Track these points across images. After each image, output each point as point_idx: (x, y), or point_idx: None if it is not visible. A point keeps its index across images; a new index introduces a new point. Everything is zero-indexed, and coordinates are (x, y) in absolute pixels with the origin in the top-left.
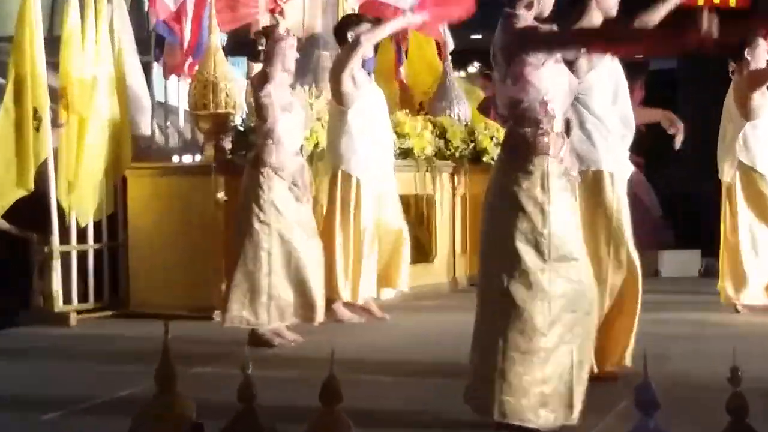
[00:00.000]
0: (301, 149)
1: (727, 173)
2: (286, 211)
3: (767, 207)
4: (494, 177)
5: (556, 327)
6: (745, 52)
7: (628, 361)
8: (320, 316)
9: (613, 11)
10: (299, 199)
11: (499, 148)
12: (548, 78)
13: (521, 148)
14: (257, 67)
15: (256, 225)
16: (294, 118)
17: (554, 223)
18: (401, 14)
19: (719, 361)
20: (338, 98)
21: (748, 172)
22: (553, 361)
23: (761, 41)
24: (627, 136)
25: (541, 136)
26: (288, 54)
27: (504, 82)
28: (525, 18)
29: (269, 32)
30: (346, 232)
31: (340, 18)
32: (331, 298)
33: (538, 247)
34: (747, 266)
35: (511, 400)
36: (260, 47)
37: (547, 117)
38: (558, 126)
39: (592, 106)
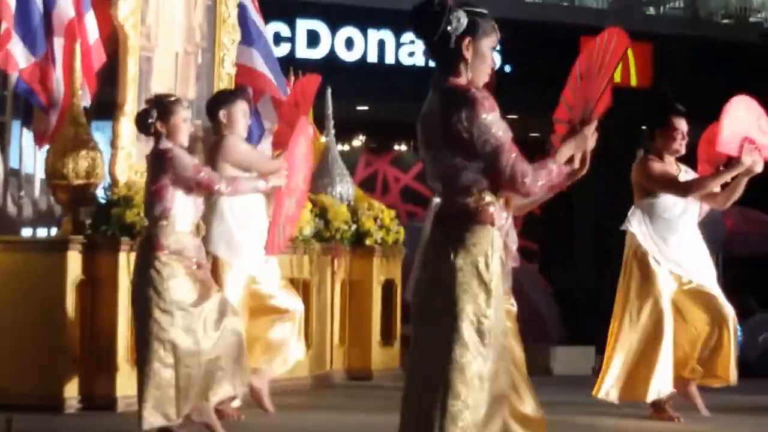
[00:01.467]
0: (198, 228)
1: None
2: (187, 300)
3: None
4: (431, 251)
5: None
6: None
7: None
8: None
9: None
10: (204, 282)
11: (435, 221)
12: None
13: (463, 219)
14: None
15: (156, 314)
16: (189, 196)
17: (494, 303)
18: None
19: None
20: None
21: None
22: None
23: (675, 120)
24: None
25: (487, 206)
26: (183, 129)
27: (441, 152)
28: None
29: (163, 103)
30: None
31: (215, 86)
32: None
33: (480, 331)
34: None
35: None
36: (150, 120)
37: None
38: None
39: None
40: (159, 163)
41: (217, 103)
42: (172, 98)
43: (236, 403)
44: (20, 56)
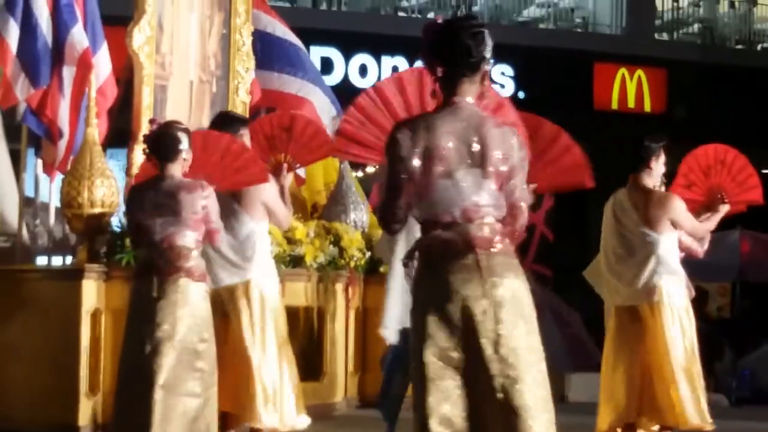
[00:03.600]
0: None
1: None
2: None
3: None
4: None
5: None
6: (651, 162)
7: None
8: None
9: None
10: None
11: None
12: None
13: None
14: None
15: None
16: None
17: None
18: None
19: None
20: None
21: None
22: None
23: (661, 153)
24: None
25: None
26: (187, 158)
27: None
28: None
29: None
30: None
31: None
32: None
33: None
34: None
35: None
36: (181, 147)
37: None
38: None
39: None
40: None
41: (215, 126)
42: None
43: None
44: (19, 88)
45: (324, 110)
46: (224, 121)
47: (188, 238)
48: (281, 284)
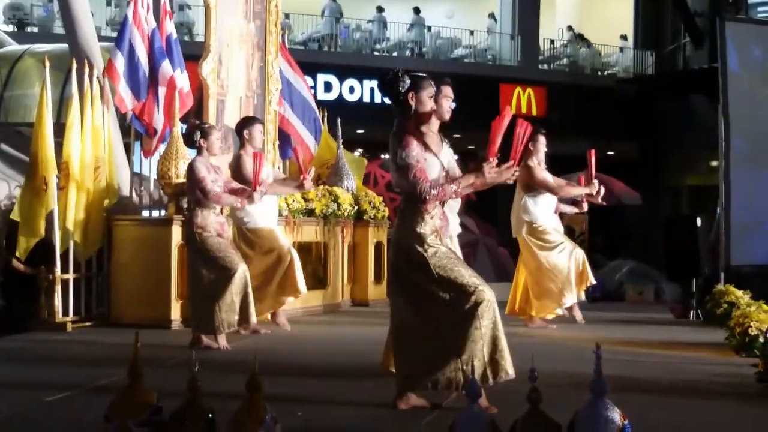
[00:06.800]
0: (221, 210)
1: (516, 230)
2: (218, 248)
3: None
4: (395, 230)
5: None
6: (529, 145)
7: None
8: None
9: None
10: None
11: (397, 211)
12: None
13: (410, 211)
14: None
15: (198, 265)
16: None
17: (432, 257)
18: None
19: (523, 363)
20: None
21: (531, 227)
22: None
23: (540, 137)
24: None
25: (424, 203)
26: (215, 143)
27: (393, 167)
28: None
29: (202, 127)
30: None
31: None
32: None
33: (425, 272)
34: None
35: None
36: (195, 138)
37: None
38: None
39: None
40: (187, 171)
41: (242, 125)
42: (209, 124)
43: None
44: (128, 101)
45: (304, 133)
46: (246, 120)
47: None
48: (300, 227)
